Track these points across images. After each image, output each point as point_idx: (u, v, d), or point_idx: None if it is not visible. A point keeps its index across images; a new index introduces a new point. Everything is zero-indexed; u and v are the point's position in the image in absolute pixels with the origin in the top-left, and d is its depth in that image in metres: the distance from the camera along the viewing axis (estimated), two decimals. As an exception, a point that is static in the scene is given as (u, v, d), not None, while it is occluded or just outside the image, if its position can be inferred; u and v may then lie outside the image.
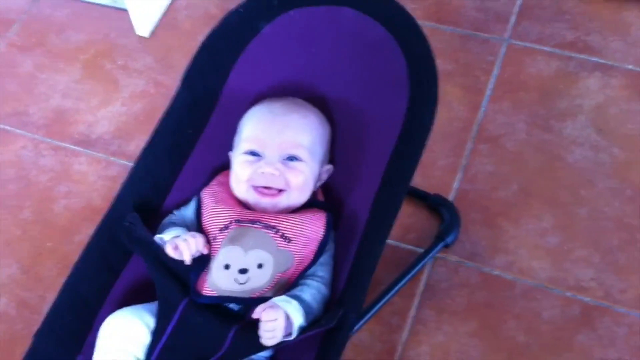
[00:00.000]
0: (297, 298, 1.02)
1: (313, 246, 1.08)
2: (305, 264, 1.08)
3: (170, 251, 1.05)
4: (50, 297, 1.09)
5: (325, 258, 1.10)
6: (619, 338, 1.28)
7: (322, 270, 1.09)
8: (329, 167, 1.17)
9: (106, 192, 1.53)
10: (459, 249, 1.40)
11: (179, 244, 1.04)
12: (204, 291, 1.05)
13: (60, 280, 1.09)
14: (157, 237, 1.09)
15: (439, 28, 1.70)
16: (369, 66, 1.19)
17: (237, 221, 1.08)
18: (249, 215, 1.09)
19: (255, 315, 0.99)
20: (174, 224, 1.13)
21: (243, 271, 1.04)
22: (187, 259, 1.04)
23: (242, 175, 1.11)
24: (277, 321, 0.98)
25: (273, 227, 1.07)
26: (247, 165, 1.11)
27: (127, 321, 1.05)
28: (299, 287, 1.05)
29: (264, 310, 0.99)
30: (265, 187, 1.10)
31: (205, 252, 1.06)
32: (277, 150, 1.11)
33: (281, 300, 1.01)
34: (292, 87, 1.22)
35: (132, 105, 1.67)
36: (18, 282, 1.45)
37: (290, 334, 1.00)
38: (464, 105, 1.58)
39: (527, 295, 1.34)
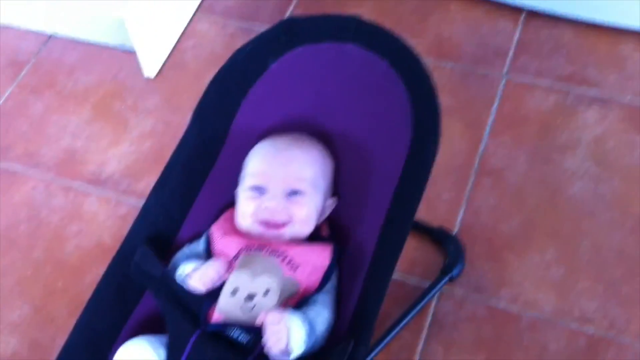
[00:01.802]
0: (301, 313, 1.04)
1: (319, 274, 1.10)
2: (310, 291, 1.09)
3: (195, 280, 1.06)
4: (62, 337, 1.09)
5: (328, 287, 1.11)
6: (625, 369, 1.29)
7: (325, 297, 1.10)
8: (333, 200, 1.20)
9: (116, 231, 1.56)
10: (464, 282, 1.42)
11: (204, 272, 1.06)
12: (212, 319, 1.06)
13: (72, 321, 1.10)
14: (179, 273, 1.11)
15: (439, 65, 1.74)
16: (373, 101, 1.22)
17: (246, 248, 1.11)
18: (257, 242, 1.12)
19: (258, 322, 1.01)
20: (189, 258, 1.14)
21: (250, 297, 1.06)
22: (210, 286, 1.06)
23: (246, 210, 1.13)
24: (281, 324, 1.00)
25: (280, 254, 1.10)
26: (251, 200, 1.13)
27: (141, 350, 1.06)
28: (304, 308, 1.07)
29: (268, 313, 1.01)
30: (270, 221, 1.13)
31: (226, 277, 1.08)
32: (280, 185, 1.13)
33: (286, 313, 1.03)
34: (297, 123, 1.25)
35: (140, 145, 1.70)
36: (30, 322, 1.46)
37: (289, 354, 1.00)
38: (465, 139, 1.61)
39: (533, 328, 1.35)
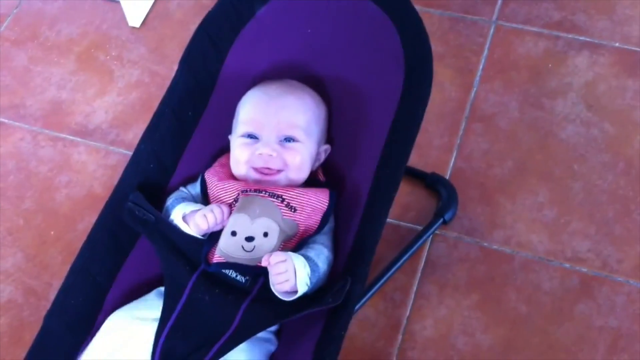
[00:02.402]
0: (302, 255, 1.05)
1: (317, 217, 1.10)
2: (309, 233, 1.10)
3: (200, 220, 1.06)
4: (57, 284, 1.10)
5: (326, 229, 1.12)
6: (618, 306, 1.31)
7: (324, 238, 1.11)
8: (327, 146, 1.20)
9: (106, 180, 1.54)
10: (457, 226, 1.43)
11: (207, 215, 1.06)
12: (213, 259, 1.07)
13: (66, 267, 1.10)
14: (176, 212, 1.10)
15: (428, 11, 1.72)
16: (364, 45, 1.21)
17: (244, 191, 1.11)
18: (254, 186, 1.12)
19: (263, 262, 1.01)
20: (184, 200, 1.14)
21: (249, 239, 1.06)
22: (212, 227, 1.07)
23: (240, 158, 1.14)
24: (287, 262, 1.00)
25: (279, 196, 1.10)
26: (245, 147, 1.13)
27: (124, 326, 1.05)
28: (304, 249, 1.08)
29: (270, 255, 1.01)
30: (265, 168, 1.13)
31: (225, 224, 1.08)
32: (273, 132, 1.13)
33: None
34: (288, 68, 1.24)
35: (128, 95, 1.68)
36: (23, 270, 1.46)
37: (295, 292, 1.01)
38: (456, 85, 1.60)
39: (526, 268, 1.37)
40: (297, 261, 1.03)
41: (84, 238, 1.12)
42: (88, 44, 1.77)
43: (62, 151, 1.61)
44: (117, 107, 1.66)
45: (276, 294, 1.02)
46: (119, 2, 1.77)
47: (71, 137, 1.63)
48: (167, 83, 1.22)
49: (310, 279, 1.03)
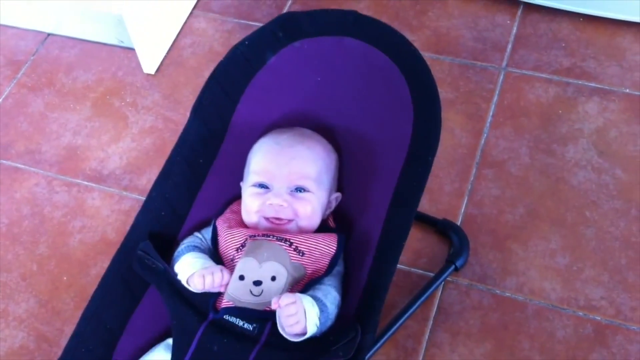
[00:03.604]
0: (310, 295, 1.05)
1: (325, 261, 1.10)
2: (316, 276, 1.10)
3: (197, 280, 1.07)
4: (69, 330, 1.10)
5: (334, 272, 1.12)
6: (633, 355, 1.29)
7: (332, 279, 1.11)
8: (338, 194, 1.20)
9: (120, 225, 1.55)
10: (469, 273, 1.42)
11: (206, 277, 1.06)
12: (221, 305, 1.06)
13: (78, 313, 1.10)
14: (182, 263, 1.11)
15: (438, 58, 1.74)
16: (373, 93, 1.23)
17: (252, 236, 1.11)
18: (263, 231, 1.12)
19: (273, 306, 1.01)
20: (196, 248, 1.15)
21: (257, 283, 1.06)
22: (209, 290, 1.07)
23: (252, 207, 1.14)
24: (297, 304, 1.00)
25: (287, 240, 1.10)
26: (256, 197, 1.14)
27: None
28: (311, 290, 1.07)
29: (280, 297, 1.00)
30: (275, 218, 1.14)
31: (223, 290, 1.08)
32: (284, 182, 1.14)
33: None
34: (299, 116, 1.26)
35: (141, 141, 1.70)
36: (36, 316, 1.46)
37: (304, 333, 1.01)
38: (466, 131, 1.61)
39: (539, 316, 1.35)
40: (305, 301, 1.02)
41: (96, 283, 1.12)
42: (104, 90, 1.80)
43: (77, 197, 1.63)
44: (131, 152, 1.68)
45: (285, 336, 1.02)
46: (134, 50, 1.81)
47: (85, 183, 1.65)
48: (180, 129, 1.24)
49: (319, 319, 1.03)
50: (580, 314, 1.35)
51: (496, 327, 1.35)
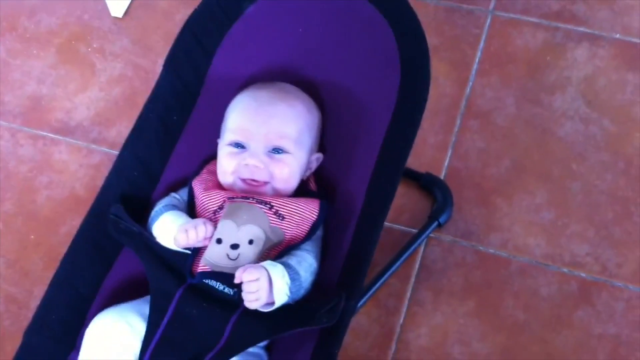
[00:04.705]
0: (282, 263, 1.01)
1: (305, 227, 1.07)
2: (294, 242, 1.07)
3: (180, 235, 1.03)
4: (38, 291, 1.07)
5: (313, 237, 1.08)
6: (618, 313, 1.28)
7: (309, 244, 1.07)
8: (319, 155, 1.16)
9: (89, 180, 1.50)
10: (452, 228, 1.39)
11: (189, 231, 1.03)
12: (198, 269, 1.03)
13: (48, 274, 1.07)
14: (160, 222, 1.07)
15: (424, 1, 1.67)
16: (358, 46, 1.17)
17: (230, 198, 1.07)
18: (240, 193, 1.09)
19: (236, 280, 0.98)
20: (174, 207, 1.11)
21: (234, 246, 1.03)
22: (192, 245, 1.04)
23: (227, 168, 1.10)
24: (260, 281, 0.97)
25: (267, 203, 1.06)
26: (232, 157, 1.10)
27: (112, 325, 1.02)
28: (286, 257, 1.04)
29: (245, 270, 0.97)
30: (251, 179, 1.09)
31: (207, 243, 1.04)
32: (262, 142, 1.09)
33: (266, 264, 1.00)
34: (279, 70, 1.20)
35: (110, 90, 1.62)
36: (4, 277, 1.42)
37: (273, 303, 0.98)
38: (451, 80, 1.56)
39: (523, 273, 1.34)
40: (274, 271, 0.99)
41: (66, 242, 1.08)
42: (68, 35, 1.71)
43: (43, 150, 1.56)
44: (99, 102, 1.61)
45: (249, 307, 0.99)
46: (100, -9, 1.71)
47: (52, 135, 1.58)
48: (152, 77, 1.19)
49: (290, 288, 1.00)
50: (565, 270, 1.33)
51: (480, 284, 1.33)
